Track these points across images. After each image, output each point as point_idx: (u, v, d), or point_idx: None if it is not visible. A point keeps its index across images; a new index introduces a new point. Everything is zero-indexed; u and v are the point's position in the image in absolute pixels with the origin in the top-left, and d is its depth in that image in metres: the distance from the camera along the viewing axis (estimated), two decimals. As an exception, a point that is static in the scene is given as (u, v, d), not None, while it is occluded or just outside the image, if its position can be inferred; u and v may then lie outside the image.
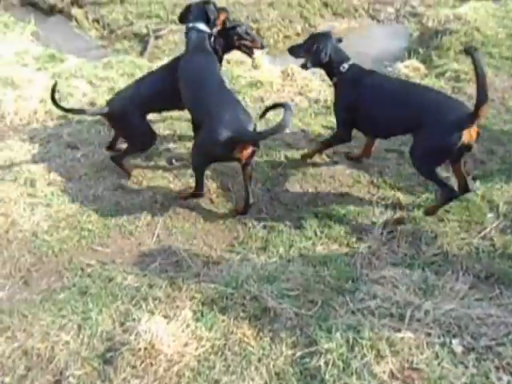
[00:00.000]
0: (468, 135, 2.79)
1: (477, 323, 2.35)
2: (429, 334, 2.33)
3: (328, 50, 3.36)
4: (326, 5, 6.90)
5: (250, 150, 3.05)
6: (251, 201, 3.27)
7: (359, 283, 2.68)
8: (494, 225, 2.99)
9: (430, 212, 3.13)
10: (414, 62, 5.16)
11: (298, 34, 6.42)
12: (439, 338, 2.32)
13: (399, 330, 2.36)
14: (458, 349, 2.28)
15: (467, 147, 2.85)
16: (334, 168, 3.71)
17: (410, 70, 4.99)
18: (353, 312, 2.51)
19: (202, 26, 3.46)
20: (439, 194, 3.14)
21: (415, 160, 3.04)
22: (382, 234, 3.04)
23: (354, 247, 2.97)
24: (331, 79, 3.49)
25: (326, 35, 3.49)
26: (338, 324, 2.42)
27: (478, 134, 2.88)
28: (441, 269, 2.73)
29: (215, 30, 3.59)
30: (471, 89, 4.48)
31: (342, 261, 2.85)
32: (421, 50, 5.55)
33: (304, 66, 3.51)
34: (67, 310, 2.65)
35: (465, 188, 3.05)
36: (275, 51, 6.14)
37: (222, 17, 3.61)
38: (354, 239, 3.04)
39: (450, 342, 2.30)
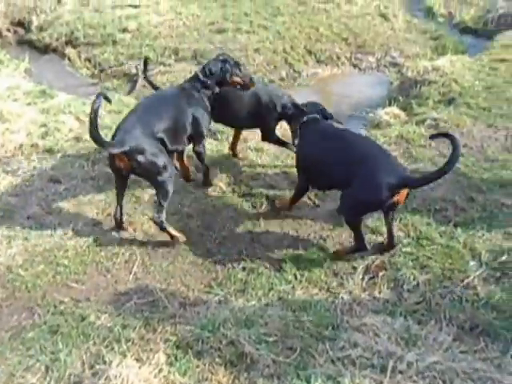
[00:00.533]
0: (399, 195, 2.80)
1: (462, 378, 2.17)
2: (412, 388, 2.15)
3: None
4: (309, 52, 6.95)
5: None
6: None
7: (340, 330, 2.49)
8: (477, 273, 2.82)
9: (338, 254, 3.10)
10: (394, 109, 5.15)
11: (282, 79, 6.43)
12: (423, 392, 2.14)
13: (381, 383, 2.17)
14: (444, 405, 2.10)
15: (396, 204, 2.86)
16: (315, 211, 3.58)
17: (390, 116, 4.96)
18: (332, 361, 2.33)
19: (200, 76, 3.53)
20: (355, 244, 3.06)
21: (343, 207, 2.98)
22: (363, 279, 2.87)
23: (335, 292, 2.80)
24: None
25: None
26: (318, 373, 2.25)
27: (408, 194, 2.90)
28: (423, 318, 2.56)
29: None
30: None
31: (322, 306, 2.67)
32: (401, 98, 5.54)
33: None
34: (36, 350, 2.46)
35: (389, 242, 3.06)
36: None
37: (234, 79, 3.58)
38: (335, 284, 2.87)
39: (435, 397, 2.11)
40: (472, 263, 2.90)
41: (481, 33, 7.80)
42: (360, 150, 2.99)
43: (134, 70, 6.09)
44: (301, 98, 6.16)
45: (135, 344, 2.47)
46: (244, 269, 3.04)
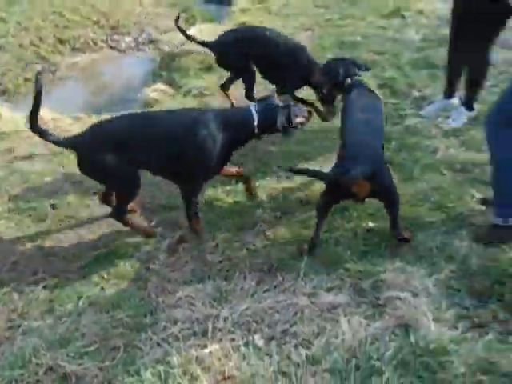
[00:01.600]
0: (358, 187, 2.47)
1: (269, 313, 2.39)
2: (233, 339, 2.30)
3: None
4: (61, 41, 6.51)
5: None
6: None
7: (158, 313, 2.49)
8: (263, 218, 3.08)
9: None
10: (160, 86, 5.19)
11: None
12: (242, 338, 2.30)
13: (205, 346, 2.27)
14: (260, 342, 2.29)
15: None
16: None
17: (157, 93, 5.00)
18: (158, 344, 2.33)
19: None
20: None
21: None
22: (167, 257, 2.89)
23: (145, 278, 2.75)
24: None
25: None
26: (146, 362, 2.23)
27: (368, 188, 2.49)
28: (229, 273, 2.69)
29: None
30: (216, 102, 4.66)
31: (135, 296, 2.61)
32: (164, 73, 5.61)
33: None
34: None
35: None
36: (18, 97, 5.54)
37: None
38: (143, 270, 2.81)
39: (253, 339, 2.29)
40: (258, 211, 3.14)
41: (223, 0, 8.27)
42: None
43: None
44: (66, 91, 5.75)
45: None
46: (45, 287, 2.78)
